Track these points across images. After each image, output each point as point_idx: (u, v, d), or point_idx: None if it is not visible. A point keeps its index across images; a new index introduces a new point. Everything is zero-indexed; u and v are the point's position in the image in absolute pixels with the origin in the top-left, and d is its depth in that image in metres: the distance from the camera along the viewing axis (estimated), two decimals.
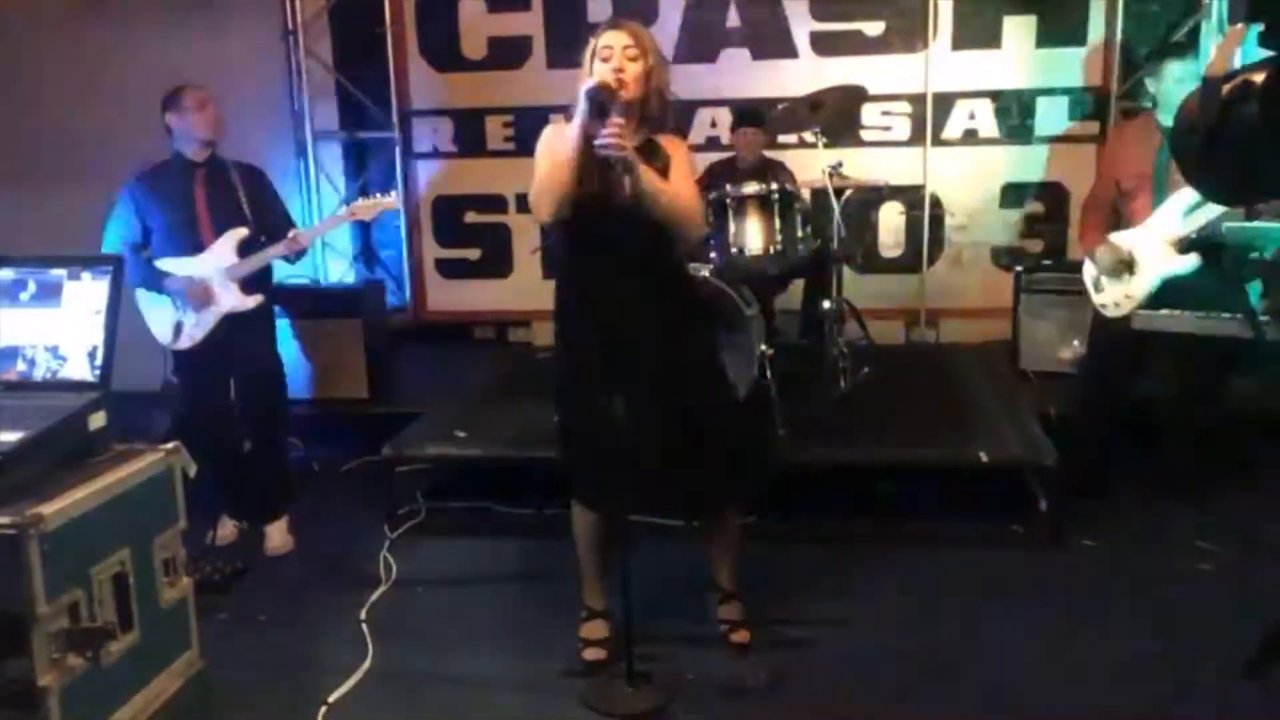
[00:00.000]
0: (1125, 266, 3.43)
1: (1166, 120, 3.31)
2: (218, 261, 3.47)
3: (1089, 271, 3.58)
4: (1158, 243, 3.37)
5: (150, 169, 3.52)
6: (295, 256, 3.61)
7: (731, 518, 2.89)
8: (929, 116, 5.06)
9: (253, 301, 3.51)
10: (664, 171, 2.60)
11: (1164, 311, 3.24)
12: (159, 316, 3.49)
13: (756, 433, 2.79)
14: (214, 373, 3.57)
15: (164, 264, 3.48)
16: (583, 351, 2.68)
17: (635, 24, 2.64)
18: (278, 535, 3.68)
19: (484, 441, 3.92)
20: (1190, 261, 3.31)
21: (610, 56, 2.53)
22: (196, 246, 3.49)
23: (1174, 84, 3.33)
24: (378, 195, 3.70)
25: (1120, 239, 3.46)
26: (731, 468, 2.80)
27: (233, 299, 3.49)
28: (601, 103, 2.44)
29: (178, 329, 3.48)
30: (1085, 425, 3.72)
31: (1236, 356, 3.54)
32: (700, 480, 2.74)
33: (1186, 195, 3.24)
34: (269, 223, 3.57)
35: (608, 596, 2.93)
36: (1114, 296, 3.48)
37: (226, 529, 3.73)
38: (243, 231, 3.50)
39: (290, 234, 3.51)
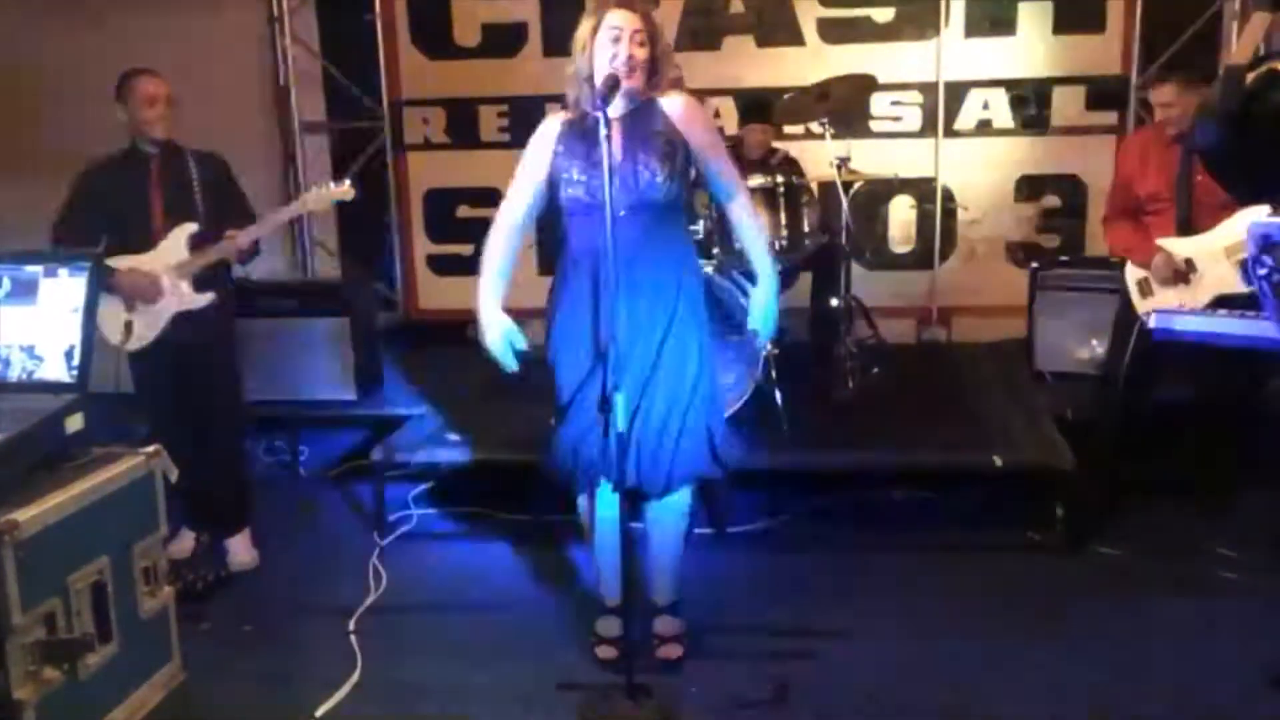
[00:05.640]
0: (1181, 276, 3.31)
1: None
2: (167, 257, 3.33)
3: (1134, 273, 3.45)
4: (1221, 256, 3.22)
5: (104, 159, 3.39)
6: (242, 257, 3.44)
7: (679, 508, 2.79)
8: (941, 106, 5.03)
9: (204, 299, 3.37)
10: (662, 135, 2.58)
11: (1185, 312, 3.12)
12: (108, 316, 3.34)
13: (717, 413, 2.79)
14: (169, 375, 3.42)
15: (114, 261, 3.34)
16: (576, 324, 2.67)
17: (645, 3, 2.60)
18: (241, 549, 3.57)
19: (477, 445, 3.86)
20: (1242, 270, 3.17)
21: (620, 38, 2.50)
22: (148, 242, 3.35)
23: None
24: (330, 185, 3.51)
25: (1176, 247, 3.31)
26: (693, 449, 2.70)
27: (183, 297, 3.34)
28: (607, 91, 2.45)
29: (128, 329, 3.34)
30: (1105, 430, 3.62)
31: (1271, 359, 3.41)
32: (670, 458, 2.65)
33: (1256, 211, 3.09)
34: (226, 216, 3.41)
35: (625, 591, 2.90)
36: (1164, 305, 3.29)
37: (184, 542, 3.60)
38: (192, 226, 3.35)
39: (227, 233, 3.34)
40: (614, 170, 2.47)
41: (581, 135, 2.58)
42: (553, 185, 2.64)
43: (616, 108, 2.56)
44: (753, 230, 2.75)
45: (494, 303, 2.71)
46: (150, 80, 3.31)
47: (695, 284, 2.71)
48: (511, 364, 2.68)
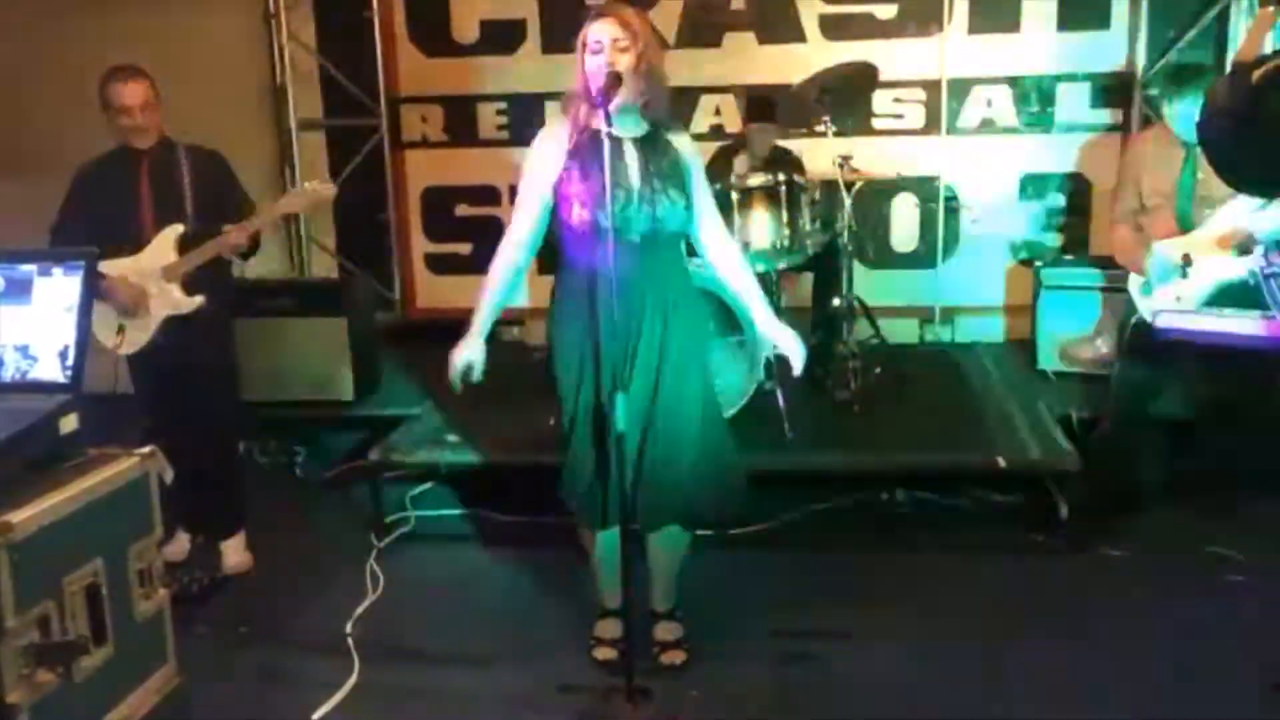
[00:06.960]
0: (1178, 269, 3.30)
1: (1186, 135, 3.19)
2: (155, 261, 3.29)
3: (1135, 279, 3.44)
4: (1213, 245, 3.22)
5: (98, 158, 3.35)
6: (238, 254, 3.37)
7: (685, 540, 2.85)
8: (944, 104, 4.99)
9: (194, 303, 3.31)
10: (677, 164, 2.59)
11: (1185, 312, 3.15)
12: (102, 319, 3.31)
13: (731, 456, 2.80)
14: (165, 377, 3.39)
15: (102, 265, 3.29)
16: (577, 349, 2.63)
17: (624, 9, 2.54)
18: (235, 552, 3.55)
19: (476, 445, 3.84)
20: (1249, 263, 3.13)
21: (601, 50, 2.46)
22: (137, 244, 3.30)
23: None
24: (315, 183, 3.47)
25: (1171, 245, 3.31)
26: (707, 487, 2.70)
27: (171, 300, 3.29)
28: (608, 87, 2.42)
29: (121, 332, 3.32)
30: (1116, 435, 3.60)
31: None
32: (670, 494, 2.65)
33: (1251, 200, 3.09)
34: (221, 214, 3.34)
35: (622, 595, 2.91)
36: (1163, 302, 3.31)
37: (179, 544, 3.59)
38: (179, 228, 3.30)
39: (223, 229, 3.28)
40: (632, 196, 2.48)
41: (594, 155, 2.47)
42: (557, 203, 2.57)
43: (630, 128, 2.54)
44: (748, 273, 2.77)
45: (478, 327, 2.66)
46: (125, 87, 3.20)
47: (697, 317, 2.70)
48: (456, 387, 2.65)
